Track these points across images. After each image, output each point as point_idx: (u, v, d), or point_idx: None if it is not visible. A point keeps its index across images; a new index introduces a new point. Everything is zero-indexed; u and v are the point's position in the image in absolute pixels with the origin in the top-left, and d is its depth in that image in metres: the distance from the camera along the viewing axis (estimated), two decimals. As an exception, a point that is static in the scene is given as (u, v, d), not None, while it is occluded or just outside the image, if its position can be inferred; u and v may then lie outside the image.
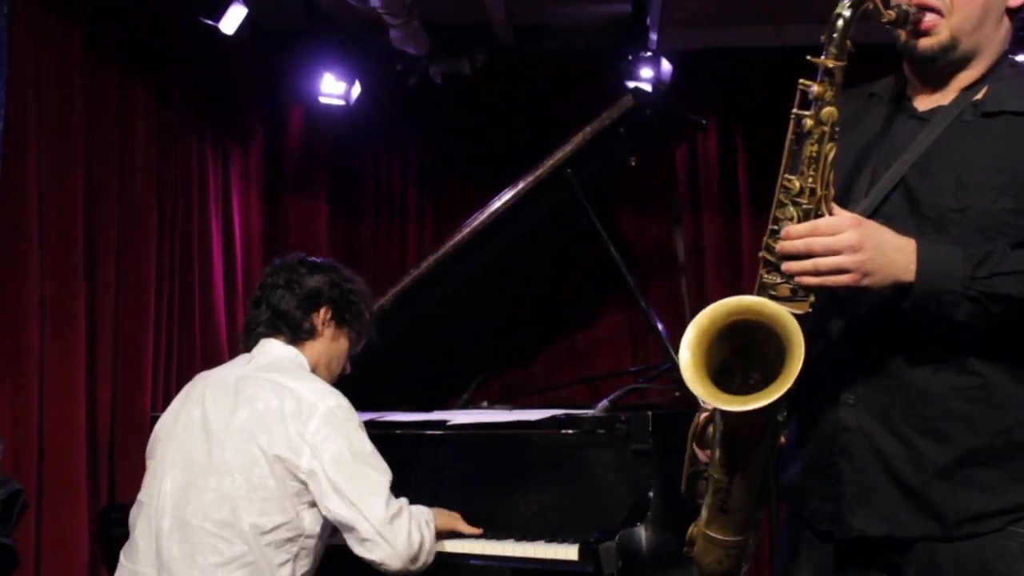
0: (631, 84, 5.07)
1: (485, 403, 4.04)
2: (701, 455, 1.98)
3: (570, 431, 3.11)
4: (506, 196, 3.72)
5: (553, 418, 3.18)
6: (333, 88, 5.34)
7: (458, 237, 3.73)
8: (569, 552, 2.90)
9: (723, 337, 1.81)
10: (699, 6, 5.08)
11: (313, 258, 3.06)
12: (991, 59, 1.96)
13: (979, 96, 1.94)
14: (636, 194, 5.39)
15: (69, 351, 4.04)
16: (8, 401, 3.83)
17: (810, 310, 1.80)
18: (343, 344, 3.03)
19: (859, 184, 1.96)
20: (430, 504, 2.96)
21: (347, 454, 2.68)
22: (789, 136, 1.85)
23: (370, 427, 3.39)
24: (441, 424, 3.32)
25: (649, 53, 5.15)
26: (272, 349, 2.89)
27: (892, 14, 1.86)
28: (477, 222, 3.72)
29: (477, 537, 3.06)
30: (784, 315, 1.76)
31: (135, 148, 4.48)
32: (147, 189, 4.53)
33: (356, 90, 5.42)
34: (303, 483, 2.66)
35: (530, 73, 5.73)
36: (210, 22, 4.47)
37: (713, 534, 1.95)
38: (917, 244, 1.80)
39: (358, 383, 4.00)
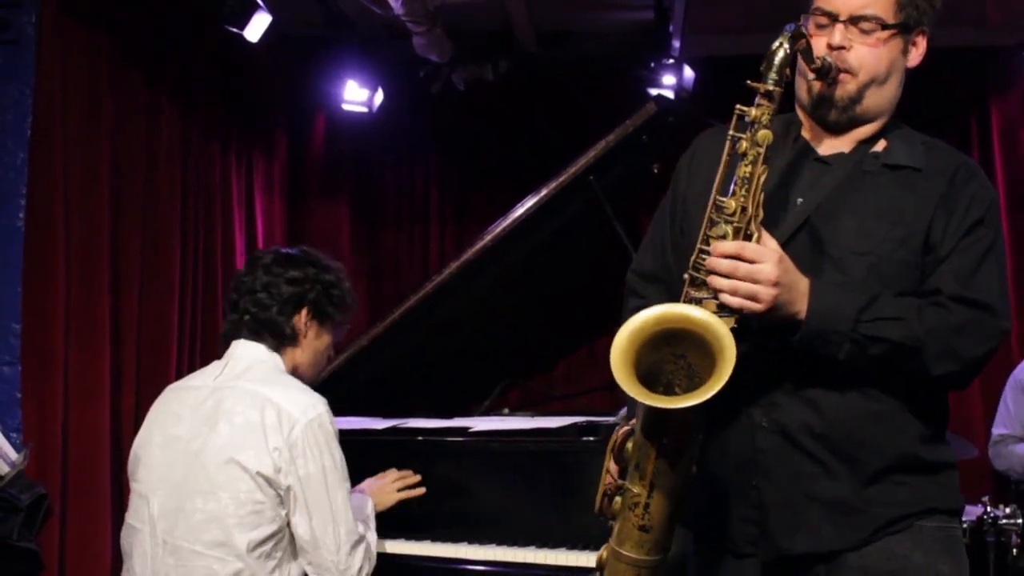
0: (654, 91, 5.06)
1: (506, 410, 4.03)
2: (618, 471, 1.98)
3: (591, 438, 3.10)
4: (529, 203, 3.71)
5: (574, 425, 3.17)
6: (356, 95, 5.37)
7: (481, 243, 3.72)
8: (591, 559, 2.89)
9: (654, 343, 1.84)
10: (721, 13, 5.08)
11: (288, 250, 2.93)
12: (888, 115, 2.10)
13: (878, 148, 2.07)
14: (659, 201, 5.38)
15: (94, 358, 4.08)
16: (34, 408, 3.86)
17: (735, 325, 1.86)
18: (326, 339, 2.91)
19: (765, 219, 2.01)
20: (448, 512, 2.96)
21: (319, 476, 2.63)
22: (724, 157, 1.94)
23: (392, 433, 3.40)
24: (463, 431, 3.32)
25: (672, 60, 5.16)
26: (246, 352, 2.78)
27: (819, 63, 1.99)
28: (500, 228, 3.71)
29: (499, 544, 3.07)
30: (716, 324, 1.81)
31: (160, 155, 4.51)
32: (171, 196, 4.57)
33: (379, 97, 5.44)
34: (283, 495, 2.63)
35: (553, 80, 5.74)
36: (234, 30, 4.50)
37: (627, 552, 1.92)
38: (811, 285, 1.90)
39: (380, 389, 4.02)
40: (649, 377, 1.85)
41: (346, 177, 5.91)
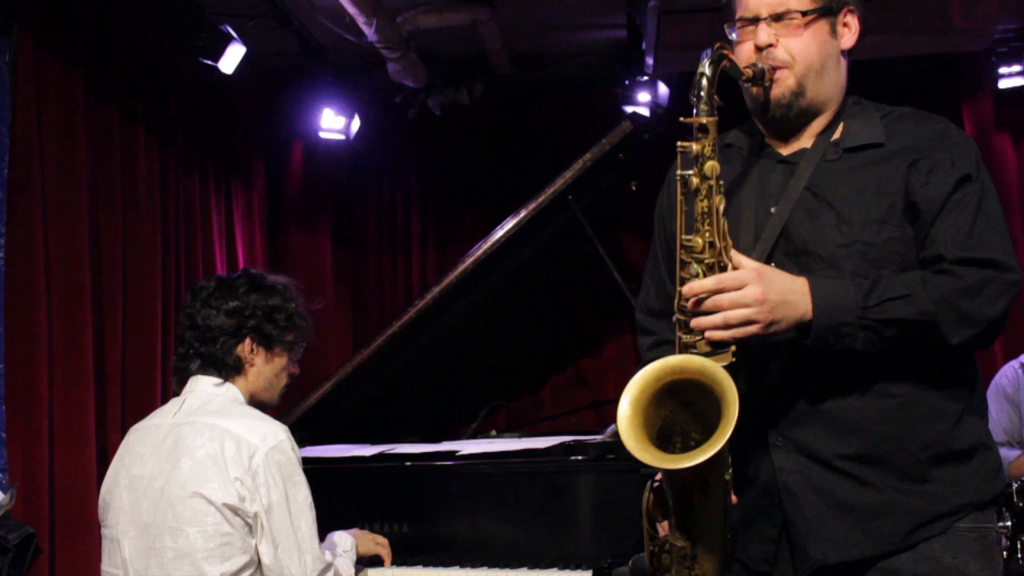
0: (629, 109, 5.09)
1: (494, 432, 4.03)
2: (660, 528, 1.99)
3: (580, 457, 3.11)
4: (509, 224, 3.73)
5: (562, 445, 3.18)
6: (333, 123, 5.38)
7: (462, 267, 3.74)
8: (583, 578, 2.89)
9: (658, 400, 1.85)
10: (693, 29, 5.11)
11: (230, 277, 2.89)
12: (838, 101, 2.11)
13: (836, 135, 2.07)
14: (638, 218, 5.40)
15: (78, 395, 4.05)
16: (19, 447, 3.84)
17: (734, 359, 1.86)
18: (279, 361, 2.86)
19: (743, 234, 2.03)
20: (439, 537, 2.95)
21: (282, 504, 2.61)
22: (678, 197, 1.95)
23: (380, 460, 3.39)
24: (451, 455, 3.32)
25: (646, 77, 5.19)
26: (202, 386, 2.77)
27: (750, 72, 2.01)
28: (480, 251, 3.73)
29: (491, 566, 3.06)
30: (712, 368, 1.81)
31: (139, 190, 4.50)
32: (151, 230, 4.56)
33: (356, 124, 5.46)
34: (252, 523, 2.62)
35: (529, 101, 5.76)
36: (209, 62, 4.50)
37: None
38: (809, 282, 1.90)
39: (366, 416, 4.01)
40: (665, 433, 1.87)
41: (326, 205, 5.92)
